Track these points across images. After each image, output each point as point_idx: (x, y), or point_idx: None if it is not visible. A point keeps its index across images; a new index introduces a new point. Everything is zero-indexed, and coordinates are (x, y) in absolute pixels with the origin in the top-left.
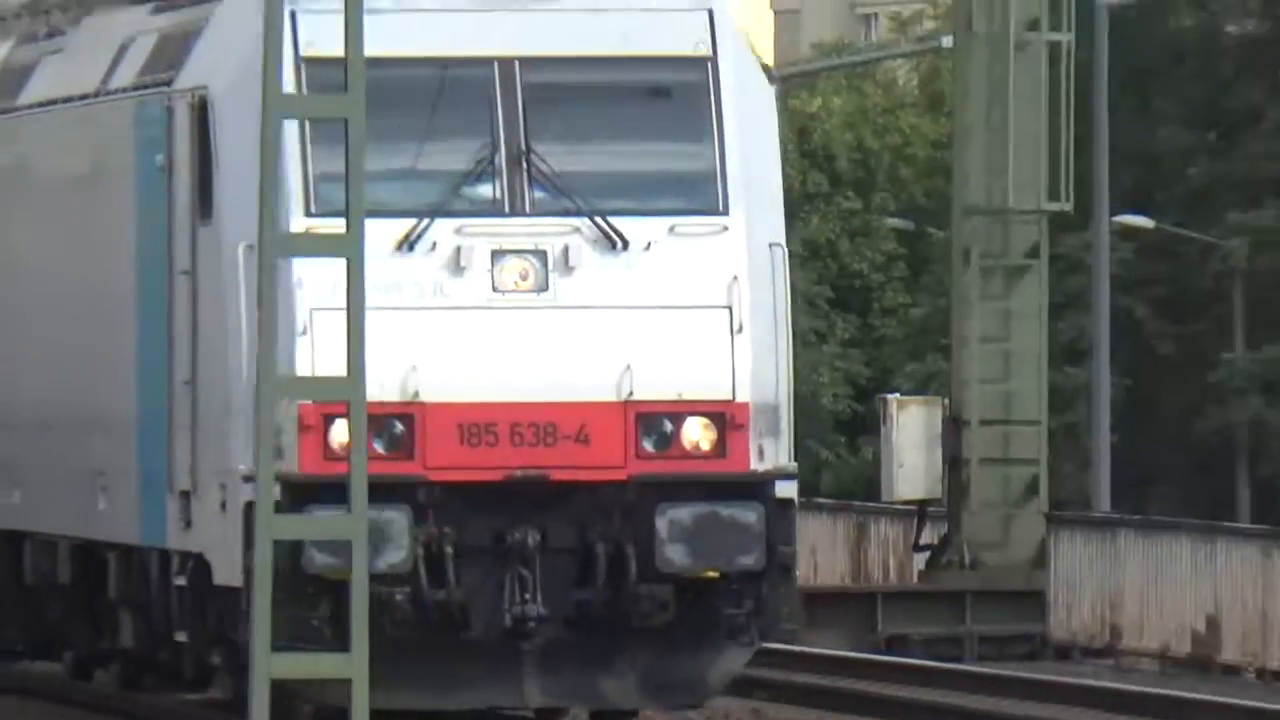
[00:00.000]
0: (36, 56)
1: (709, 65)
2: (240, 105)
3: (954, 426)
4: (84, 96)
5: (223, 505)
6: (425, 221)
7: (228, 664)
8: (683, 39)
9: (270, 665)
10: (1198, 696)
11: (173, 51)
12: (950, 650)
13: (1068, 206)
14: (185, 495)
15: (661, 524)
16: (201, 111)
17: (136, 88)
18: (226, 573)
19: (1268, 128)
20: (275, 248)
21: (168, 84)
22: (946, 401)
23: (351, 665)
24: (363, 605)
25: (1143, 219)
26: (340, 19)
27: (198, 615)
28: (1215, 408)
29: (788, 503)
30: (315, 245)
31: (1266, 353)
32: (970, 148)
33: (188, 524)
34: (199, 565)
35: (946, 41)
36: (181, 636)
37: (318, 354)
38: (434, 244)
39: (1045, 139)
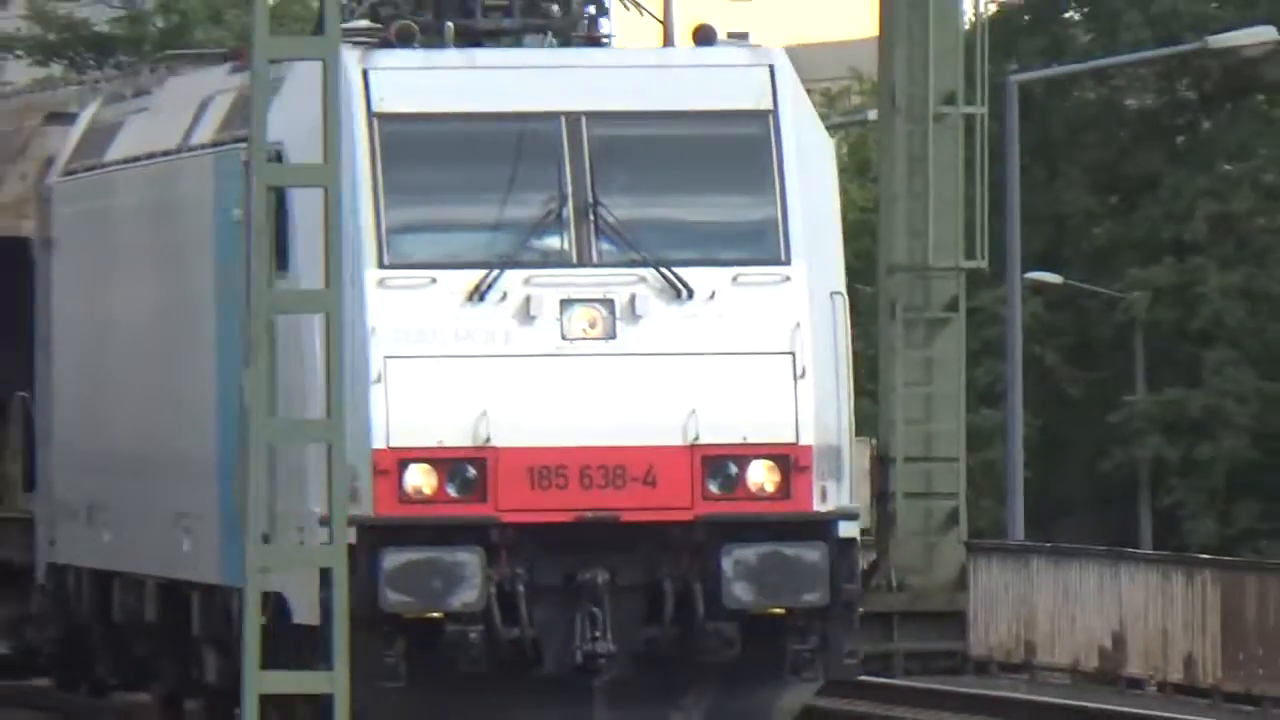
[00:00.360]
0: (123, 115)
1: (770, 119)
2: (316, 157)
3: (881, 464)
4: (166, 153)
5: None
6: (496, 272)
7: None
8: (745, 93)
9: (259, 682)
10: (1105, 707)
11: (249, 109)
12: (880, 666)
13: (983, 264)
14: (265, 537)
15: (728, 563)
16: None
17: (215, 144)
18: (305, 612)
19: (1164, 192)
20: (261, 308)
21: (245, 140)
22: (874, 441)
23: (334, 681)
24: (342, 626)
25: (1051, 275)
26: (414, 75)
27: (278, 652)
28: (1119, 446)
29: (850, 542)
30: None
31: (1165, 395)
32: (894, 211)
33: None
34: (279, 604)
35: (872, 115)
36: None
37: (392, 401)
38: (504, 294)
39: (962, 203)
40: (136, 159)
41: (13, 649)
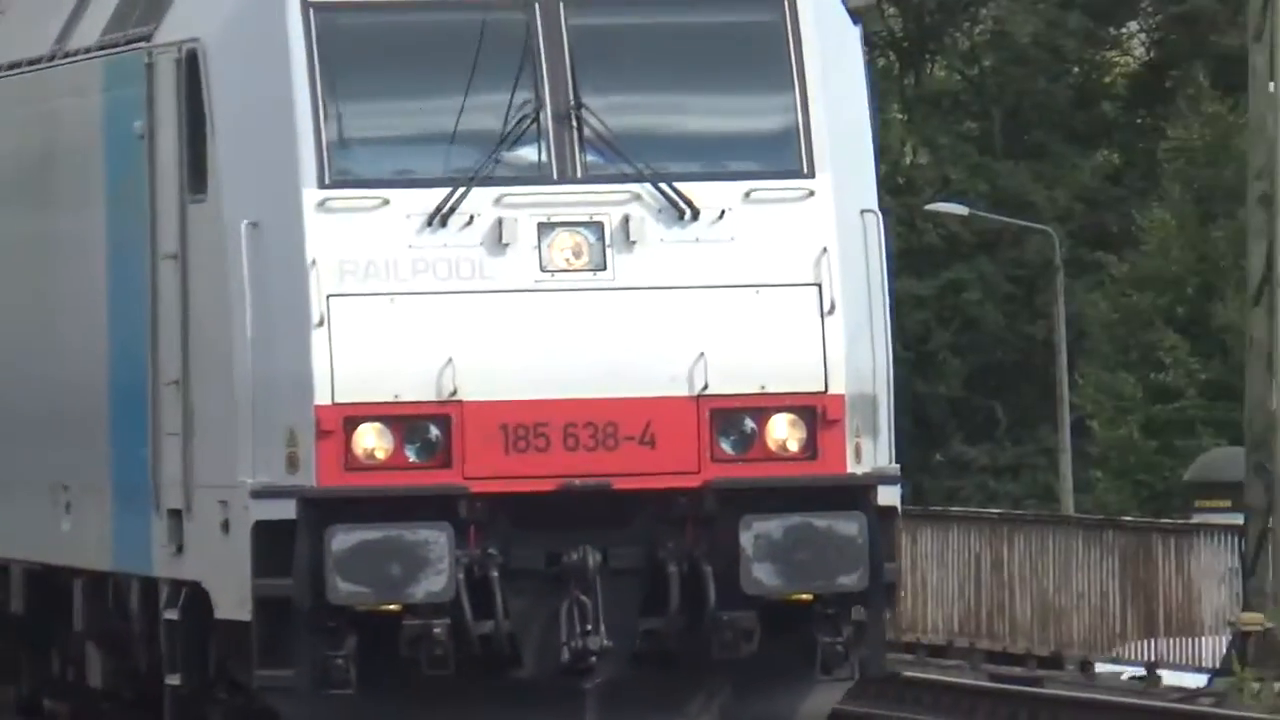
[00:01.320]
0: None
1: (786, 4)
2: (242, 58)
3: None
4: (34, 62)
5: (225, 525)
6: (460, 191)
7: (228, 707)
8: None
9: None
10: None
11: (148, 3)
12: None
13: None
14: (176, 514)
15: (746, 539)
16: (191, 67)
17: (103, 48)
18: (231, 606)
19: None
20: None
21: (146, 39)
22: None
23: None
24: None
25: None
26: None
27: (192, 652)
28: None
29: (890, 511)
30: None
31: None
32: None
33: (179, 548)
34: (194, 595)
35: None
36: (174, 679)
37: (337, 348)
38: (471, 217)
39: None
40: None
41: None
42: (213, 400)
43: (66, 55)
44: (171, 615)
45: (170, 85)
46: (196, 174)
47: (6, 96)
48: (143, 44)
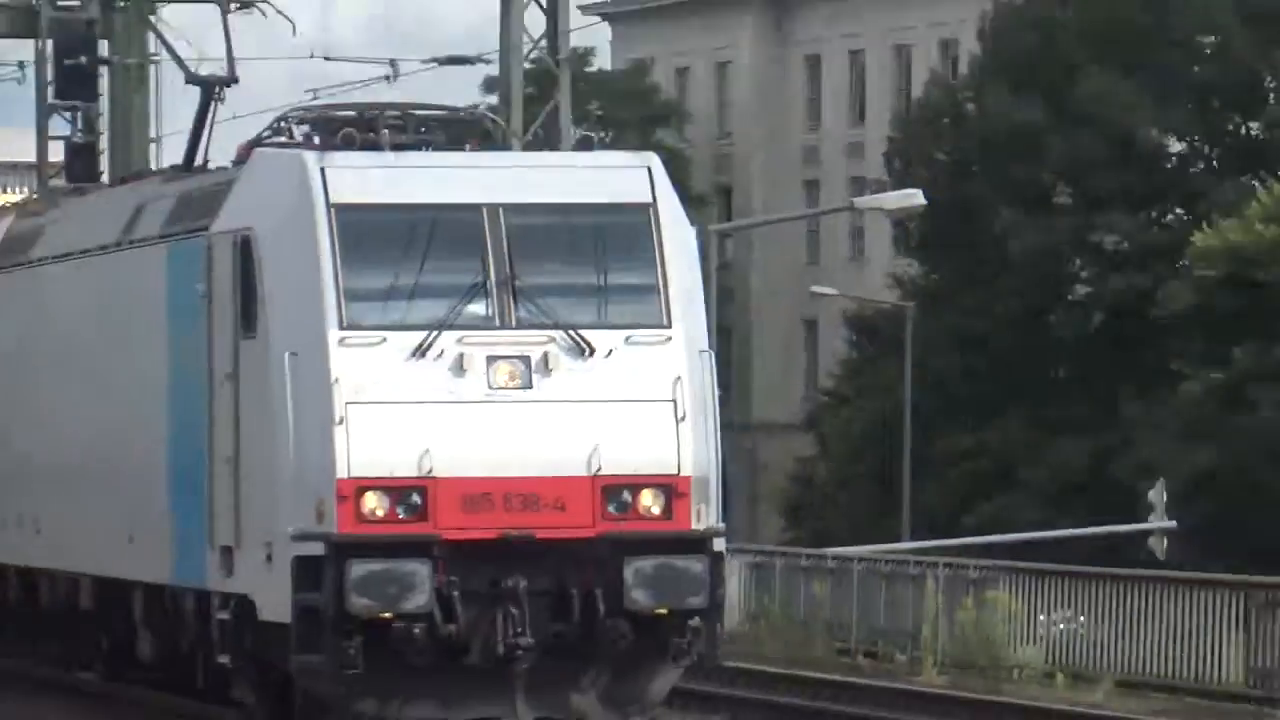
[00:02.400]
0: (41, 224)
1: (650, 210)
2: (284, 242)
3: None
4: (103, 247)
5: (268, 558)
6: (434, 334)
7: (259, 678)
8: (630, 189)
9: None
10: None
11: (200, 207)
12: None
13: None
14: (226, 549)
15: (628, 572)
16: (245, 248)
17: (164, 236)
18: (273, 611)
19: None
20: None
21: (204, 229)
22: None
23: None
24: None
25: None
26: (363, 173)
27: (238, 641)
28: None
29: (720, 555)
30: None
31: None
32: None
33: (229, 572)
34: (240, 603)
35: None
36: (224, 659)
37: (352, 439)
38: (441, 351)
39: None
40: (70, 254)
41: None
42: (259, 473)
43: (133, 242)
44: (224, 616)
45: (227, 260)
46: (248, 319)
47: (88, 270)
48: (202, 233)
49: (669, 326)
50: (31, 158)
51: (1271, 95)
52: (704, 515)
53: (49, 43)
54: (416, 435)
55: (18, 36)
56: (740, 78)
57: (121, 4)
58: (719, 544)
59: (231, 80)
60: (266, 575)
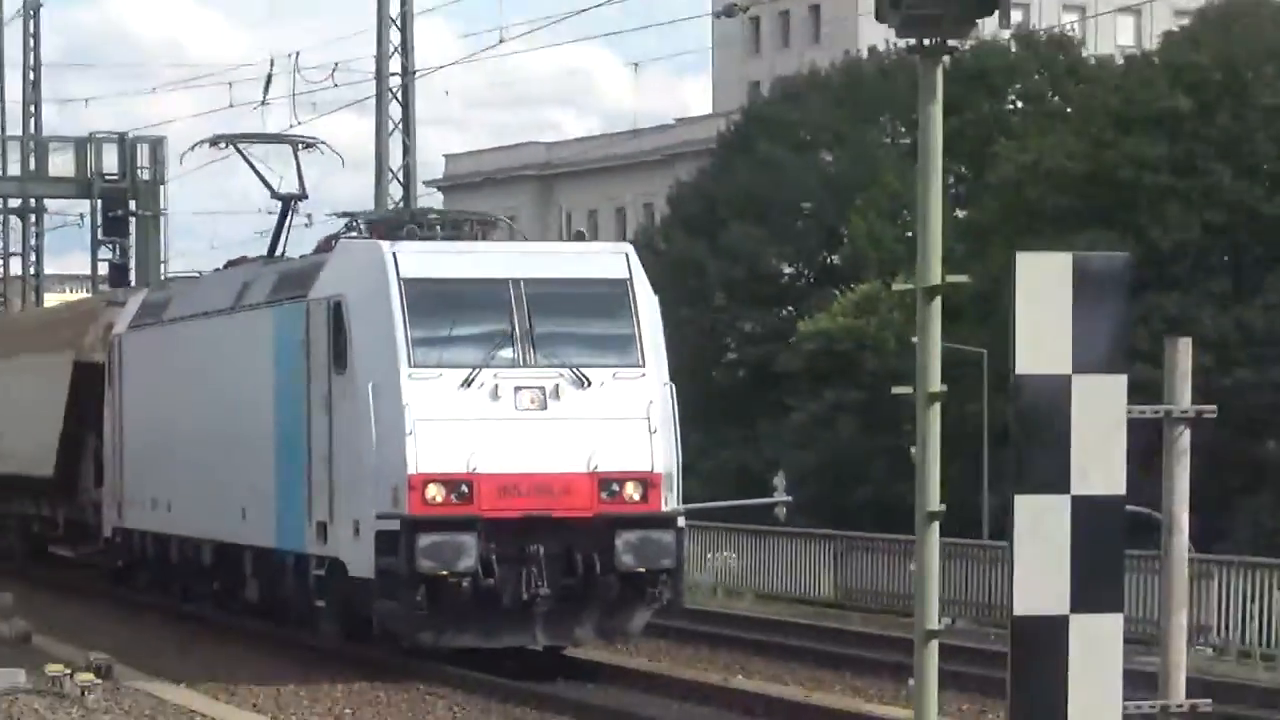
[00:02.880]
0: (167, 297)
1: (629, 283)
2: (368, 305)
3: None
4: (220, 310)
5: (356, 531)
6: (476, 371)
7: (340, 617)
8: (613, 269)
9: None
10: None
11: (297, 280)
12: None
13: None
14: (321, 524)
15: (619, 542)
16: (337, 310)
17: (269, 302)
18: (361, 570)
19: None
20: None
21: (303, 296)
22: None
23: None
24: None
25: None
26: (422, 256)
27: (331, 591)
28: None
29: (682, 529)
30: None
31: None
32: None
33: (324, 540)
34: (332, 564)
35: None
36: (321, 603)
37: (419, 446)
38: (481, 383)
39: None
40: (194, 315)
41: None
42: (350, 470)
43: (244, 306)
44: (320, 572)
45: (322, 318)
46: (339, 360)
47: (209, 326)
48: (302, 299)
49: (643, 366)
50: (87, 271)
51: (844, 239)
52: (670, 501)
53: (99, 202)
54: (464, 443)
55: (79, 197)
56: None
57: (145, 179)
58: (681, 521)
59: (303, 196)
60: (354, 544)
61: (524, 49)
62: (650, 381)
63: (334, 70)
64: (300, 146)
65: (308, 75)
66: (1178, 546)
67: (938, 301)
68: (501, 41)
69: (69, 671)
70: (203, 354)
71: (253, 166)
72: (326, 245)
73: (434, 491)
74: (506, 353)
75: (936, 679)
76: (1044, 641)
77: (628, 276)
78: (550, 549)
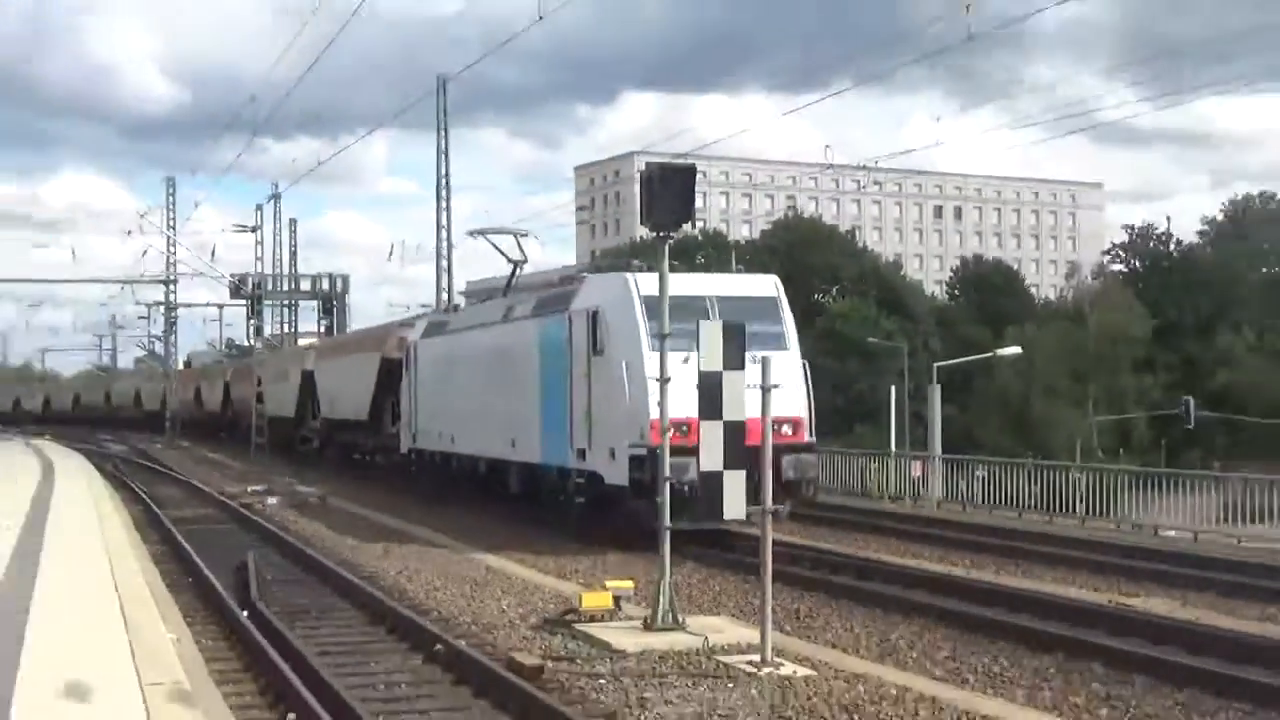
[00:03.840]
0: (443, 320)
1: (779, 299)
2: (617, 313)
3: None
4: (492, 323)
5: (611, 455)
6: (688, 355)
7: (589, 508)
8: (767, 288)
9: None
10: None
11: (555, 300)
12: None
13: None
14: (580, 451)
15: (785, 462)
16: (594, 316)
17: (533, 315)
18: (616, 479)
19: None
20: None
21: (564, 310)
22: None
23: None
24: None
25: None
26: (649, 279)
27: (588, 494)
28: None
29: (818, 453)
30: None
31: None
32: None
33: (583, 459)
34: (590, 476)
35: None
36: (580, 500)
37: (652, 401)
38: (691, 359)
39: None
40: (471, 327)
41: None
42: (608, 416)
43: (512, 319)
44: (580, 480)
45: (583, 322)
46: (597, 347)
47: (485, 333)
48: (563, 311)
49: (789, 350)
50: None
51: None
52: (808, 435)
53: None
54: (684, 399)
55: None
56: None
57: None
58: (817, 447)
59: (525, 261)
60: (610, 463)
61: None
62: (794, 358)
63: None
64: (519, 235)
65: None
66: None
67: None
68: None
69: (321, 495)
70: (481, 348)
71: (496, 247)
72: (566, 282)
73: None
74: None
75: None
76: (713, 485)
77: (777, 295)
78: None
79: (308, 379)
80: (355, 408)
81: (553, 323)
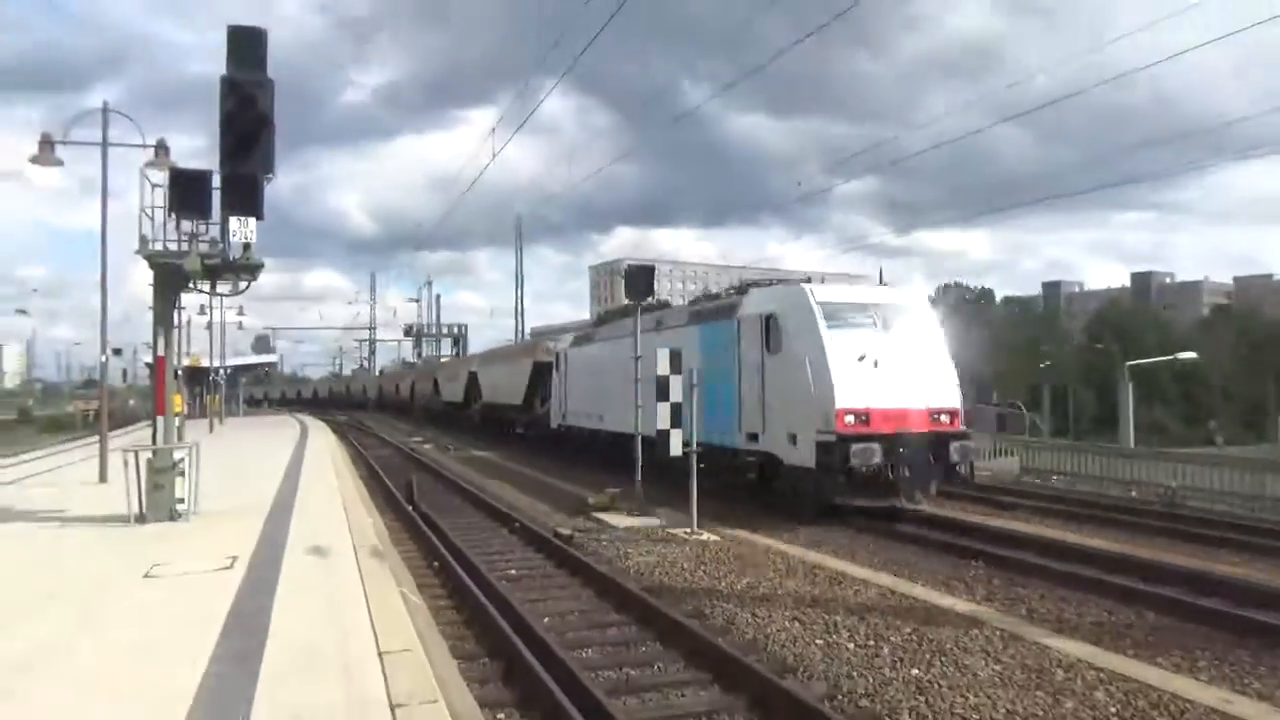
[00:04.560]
0: (588, 331)
1: (929, 302)
2: (796, 316)
3: None
4: (646, 330)
5: (792, 440)
6: (863, 353)
7: (759, 484)
8: (920, 297)
9: None
10: None
11: (717, 311)
12: None
13: None
14: (751, 435)
15: (952, 448)
16: (767, 321)
17: (691, 324)
18: (795, 460)
19: None
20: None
21: (729, 317)
22: None
23: None
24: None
25: None
26: (822, 289)
27: (753, 469)
28: None
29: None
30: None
31: None
32: None
33: (755, 442)
34: (767, 457)
35: None
36: (753, 476)
37: (836, 393)
38: (864, 357)
39: None
40: (614, 338)
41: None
42: (784, 405)
43: (666, 328)
44: (752, 459)
45: (755, 327)
46: (773, 346)
47: (644, 340)
48: (728, 319)
49: (942, 350)
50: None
51: None
52: (963, 424)
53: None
54: (861, 386)
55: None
56: None
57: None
58: (970, 436)
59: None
60: (790, 447)
61: None
62: (945, 356)
63: None
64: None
65: None
66: None
67: None
68: None
69: (451, 447)
70: (627, 360)
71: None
72: (728, 295)
73: (849, 418)
74: (877, 340)
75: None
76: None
77: (924, 303)
78: (916, 451)
79: (472, 377)
80: (511, 395)
81: (715, 328)
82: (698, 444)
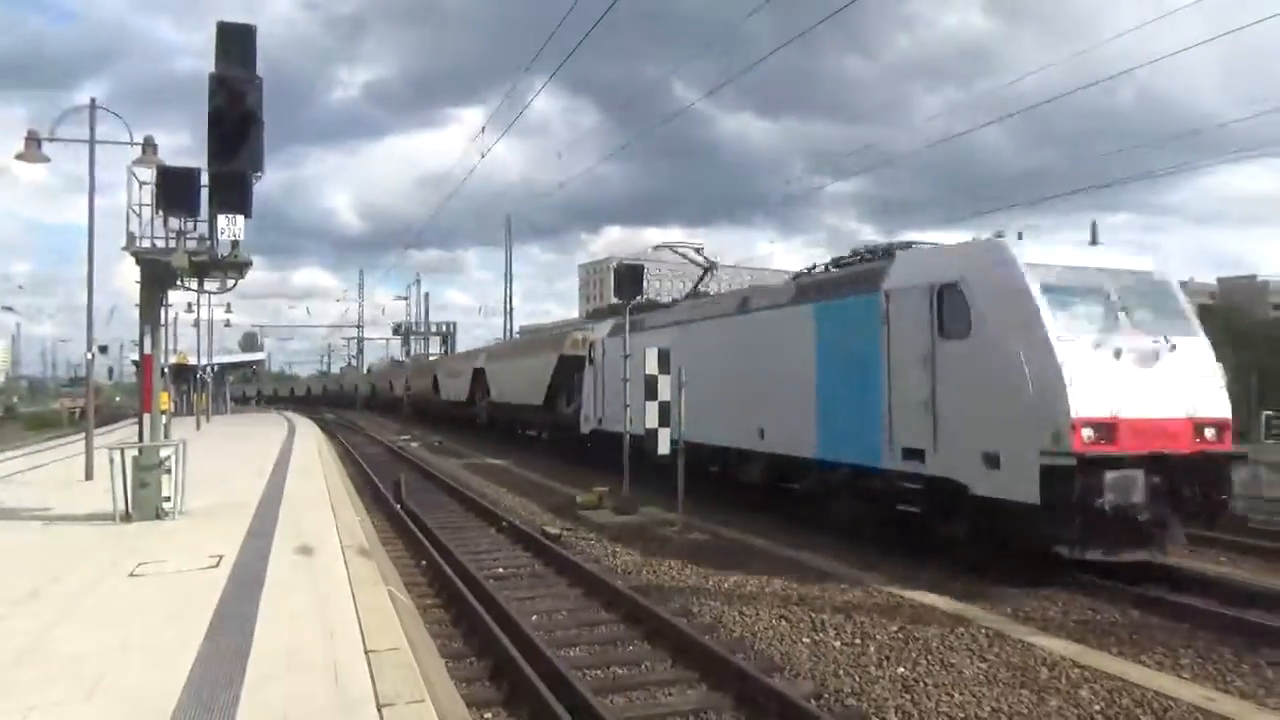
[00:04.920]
0: (646, 315)
1: (1169, 281)
2: (995, 286)
3: None
4: (719, 316)
5: (989, 461)
6: (1103, 339)
7: (930, 518)
8: (1147, 264)
9: None
10: None
11: (849, 282)
12: None
13: None
14: (914, 452)
15: (1226, 474)
16: (941, 294)
17: (804, 301)
18: (981, 489)
19: None
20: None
21: (872, 291)
22: None
23: None
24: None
25: None
26: (1037, 250)
27: (925, 503)
28: None
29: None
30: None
31: None
32: None
33: (921, 460)
34: (933, 481)
35: None
36: (911, 508)
37: (1070, 394)
38: (1101, 344)
39: None
40: (667, 325)
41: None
42: (974, 411)
43: (754, 309)
44: (912, 486)
45: (917, 302)
46: (953, 328)
47: (723, 326)
48: (871, 292)
49: (1198, 337)
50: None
51: None
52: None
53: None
54: (1105, 394)
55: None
56: None
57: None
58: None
59: (715, 266)
60: (988, 472)
61: None
62: (1205, 346)
63: None
64: (698, 249)
65: None
66: None
67: None
68: None
69: (438, 440)
70: (708, 342)
71: (678, 252)
72: (860, 260)
73: (1088, 432)
74: (1117, 321)
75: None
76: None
77: (1167, 276)
78: (1167, 480)
79: (479, 374)
80: (528, 394)
81: (844, 307)
82: (819, 461)
